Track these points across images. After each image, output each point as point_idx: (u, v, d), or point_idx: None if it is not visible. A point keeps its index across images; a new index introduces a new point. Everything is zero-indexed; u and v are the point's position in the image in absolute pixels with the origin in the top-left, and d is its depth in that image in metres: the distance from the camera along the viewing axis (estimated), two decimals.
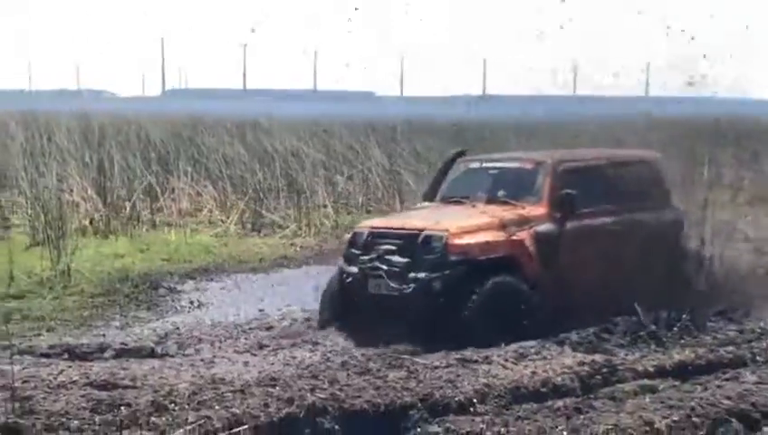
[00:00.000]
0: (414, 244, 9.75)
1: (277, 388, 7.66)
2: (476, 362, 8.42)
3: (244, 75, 53.77)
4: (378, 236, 10.04)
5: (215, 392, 7.52)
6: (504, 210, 10.17)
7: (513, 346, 8.96)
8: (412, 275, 9.60)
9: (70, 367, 8.48)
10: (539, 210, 10.17)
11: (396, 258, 9.75)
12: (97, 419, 6.95)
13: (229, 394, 7.49)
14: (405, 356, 8.70)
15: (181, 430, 6.77)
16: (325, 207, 18.90)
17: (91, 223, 16.79)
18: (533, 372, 8.09)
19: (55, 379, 8.02)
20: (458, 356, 8.56)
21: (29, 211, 15.89)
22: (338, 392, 7.47)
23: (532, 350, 8.89)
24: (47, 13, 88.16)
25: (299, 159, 20.63)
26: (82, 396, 7.48)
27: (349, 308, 10.05)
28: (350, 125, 25.53)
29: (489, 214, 10.14)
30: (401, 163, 21.54)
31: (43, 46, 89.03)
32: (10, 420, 6.75)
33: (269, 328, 10.54)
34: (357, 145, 22.45)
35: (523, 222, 10.00)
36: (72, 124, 23.01)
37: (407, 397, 7.46)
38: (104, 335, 10.28)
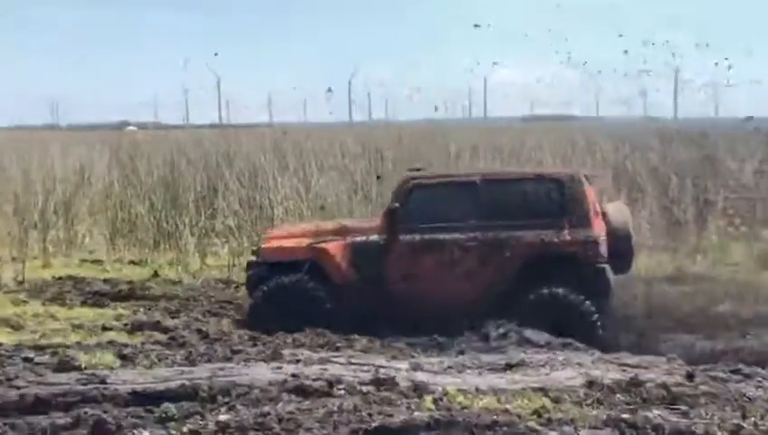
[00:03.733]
0: None
1: None
2: None
3: None
4: None
5: None
6: (351, 222, 11.45)
7: None
8: None
9: None
10: (372, 223, 11.04)
11: None
12: None
13: None
14: None
15: None
16: None
17: None
18: None
19: None
20: None
21: None
22: None
23: None
24: None
25: None
26: None
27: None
28: None
29: (324, 224, 11.60)
30: None
31: None
32: None
33: None
34: None
35: (343, 233, 10.95)
36: None
37: None
38: None
